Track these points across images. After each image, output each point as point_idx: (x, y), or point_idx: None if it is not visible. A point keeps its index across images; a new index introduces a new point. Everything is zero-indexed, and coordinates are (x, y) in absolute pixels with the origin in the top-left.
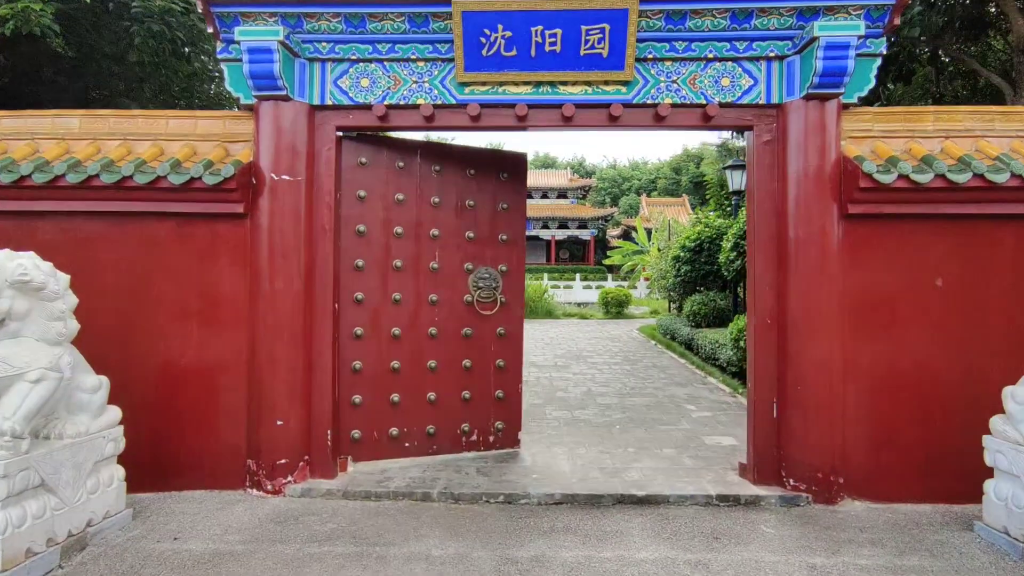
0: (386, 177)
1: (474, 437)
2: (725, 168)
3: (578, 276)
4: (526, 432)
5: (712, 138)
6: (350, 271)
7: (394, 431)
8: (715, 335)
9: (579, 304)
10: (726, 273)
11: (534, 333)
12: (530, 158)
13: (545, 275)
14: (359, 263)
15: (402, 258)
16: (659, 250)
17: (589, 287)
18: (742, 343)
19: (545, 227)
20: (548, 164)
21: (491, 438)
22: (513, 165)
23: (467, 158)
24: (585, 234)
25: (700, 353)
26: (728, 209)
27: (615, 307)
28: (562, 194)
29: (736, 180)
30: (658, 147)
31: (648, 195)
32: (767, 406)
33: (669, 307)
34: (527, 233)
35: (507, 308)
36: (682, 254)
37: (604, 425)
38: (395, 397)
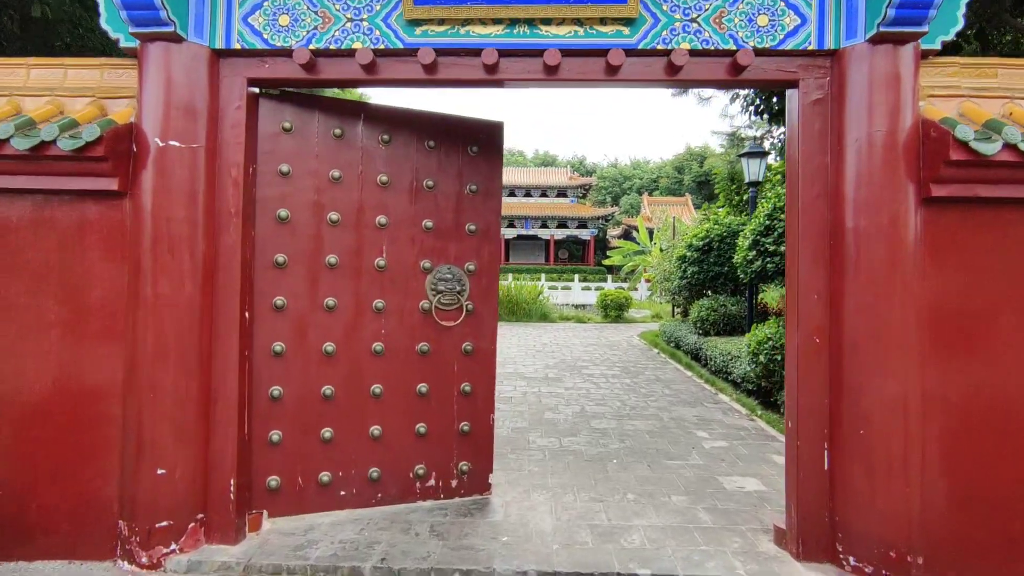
0: (318, 148)
1: (431, 482)
2: (741, 156)
3: (576, 277)
4: (501, 468)
5: (723, 126)
6: (268, 269)
7: (325, 476)
8: (727, 345)
9: (577, 307)
10: (742, 275)
11: (526, 339)
12: (528, 155)
13: (543, 276)
14: (280, 259)
15: (339, 252)
16: (662, 250)
17: (588, 288)
18: (762, 358)
19: (544, 226)
20: (547, 162)
21: (453, 483)
22: (486, 136)
23: (426, 126)
24: (585, 234)
25: (709, 365)
26: (739, 205)
27: (614, 310)
28: (561, 192)
29: (753, 170)
30: (660, 145)
31: (650, 194)
32: (814, 453)
33: (673, 311)
34: (524, 232)
35: (475, 317)
36: (689, 254)
37: (598, 458)
38: (327, 432)
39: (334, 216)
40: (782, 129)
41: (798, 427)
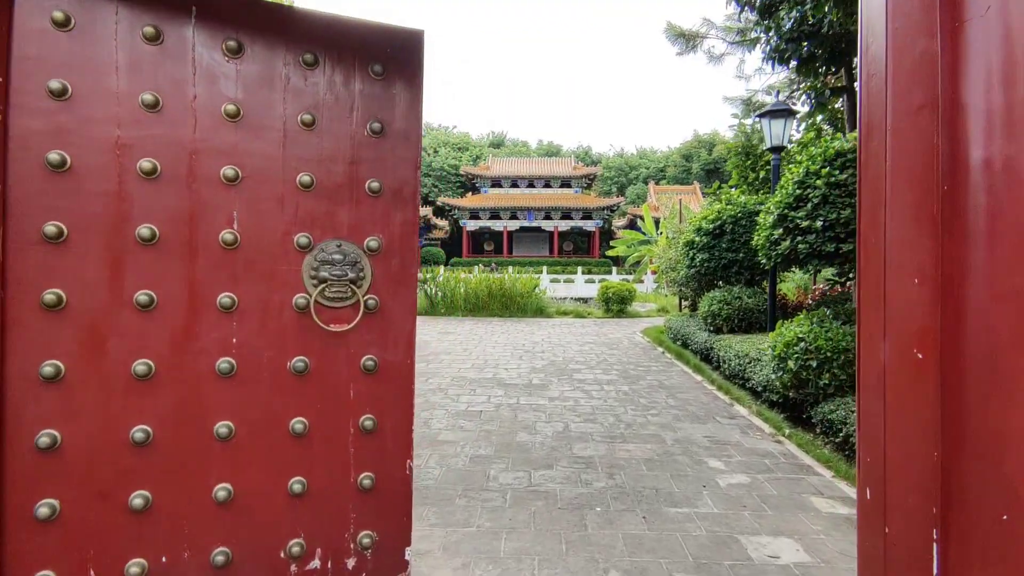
0: (121, 56)
1: (314, 564)
2: (760, 115)
3: (580, 270)
4: (441, 523)
5: (737, 91)
6: (32, 245)
7: (135, 567)
8: (743, 346)
9: (579, 300)
10: (764, 260)
11: (516, 337)
12: (532, 146)
13: (545, 269)
14: (53, 229)
15: (158, 220)
16: (668, 239)
17: (592, 281)
18: (792, 363)
19: (547, 217)
20: (552, 152)
21: (350, 563)
22: (399, 50)
23: (302, 31)
24: (590, 225)
25: (722, 368)
26: (755, 184)
27: (616, 304)
28: (565, 183)
29: (776, 132)
30: (667, 133)
31: (657, 183)
32: (913, 549)
33: (680, 305)
34: (527, 223)
35: (380, 318)
36: (697, 239)
37: (576, 504)
38: (139, 498)
39: (148, 165)
40: (808, 84)
41: (884, 499)
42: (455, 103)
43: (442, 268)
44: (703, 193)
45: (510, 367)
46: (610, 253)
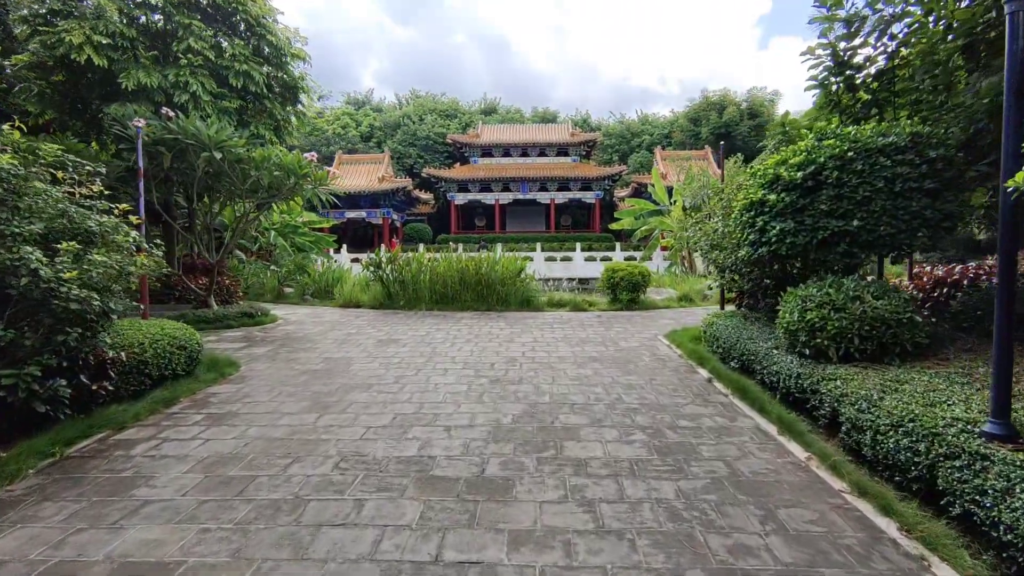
0: None
1: None
2: None
3: (579, 246)
4: None
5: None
6: None
7: None
8: (914, 406)
9: (579, 282)
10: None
11: (487, 347)
12: (527, 113)
13: (540, 245)
14: None
15: None
16: (684, 208)
17: (593, 259)
18: None
19: (543, 189)
20: (547, 119)
21: None
22: None
23: None
24: (589, 197)
25: (857, 442)
26: (853, 111)
27: (626, 292)
28: (562, 151)
29: None
30: (671, 99)
31: (663, 149)
32: None
33: (723, 300)
34: (520, 196)
35: None
36: (773, 198)
37: None
38: None
39: None
40: None
41: None
42: (444, 68)
43: (422, 246)
44: (717, 162)
45: (456, 424)
46: (614, 226)
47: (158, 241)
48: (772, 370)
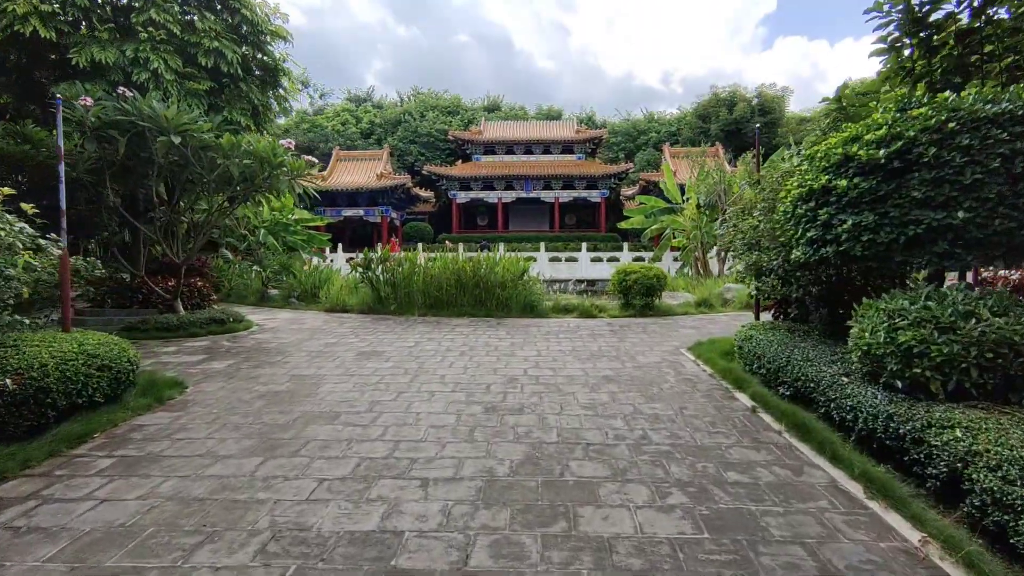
0: None
1: None
2: None
3: (584, 246)
4: None
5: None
6: None
7: None
8: None
9: (586, 284)
10: None
11: (483, 362)
12: (531, 111)
13: (544, 245)
14: None
15: None
16: (699, 206)
17: (599, 260)
18: None
19: (547, 187)
20: (552, 117)
21: None
22: None
23: None
24: (595, 195)
25: (997, 518)
26: (943, 72)
27: (640, 297)
28: (567, 148)
29: None
30: (675, 99)
31: (671, 146)
32: None
33: (758, 308)
34: (524, 194)
35: None
36: (840, 184)
37: None
38: None
39: None
40: None
41: None
42: (446, 67)
43: (421, 246)
44: (729, 161)
45: (437, 477)
46: (623, 225)
47: (54, 236)
48: (843, 404)
